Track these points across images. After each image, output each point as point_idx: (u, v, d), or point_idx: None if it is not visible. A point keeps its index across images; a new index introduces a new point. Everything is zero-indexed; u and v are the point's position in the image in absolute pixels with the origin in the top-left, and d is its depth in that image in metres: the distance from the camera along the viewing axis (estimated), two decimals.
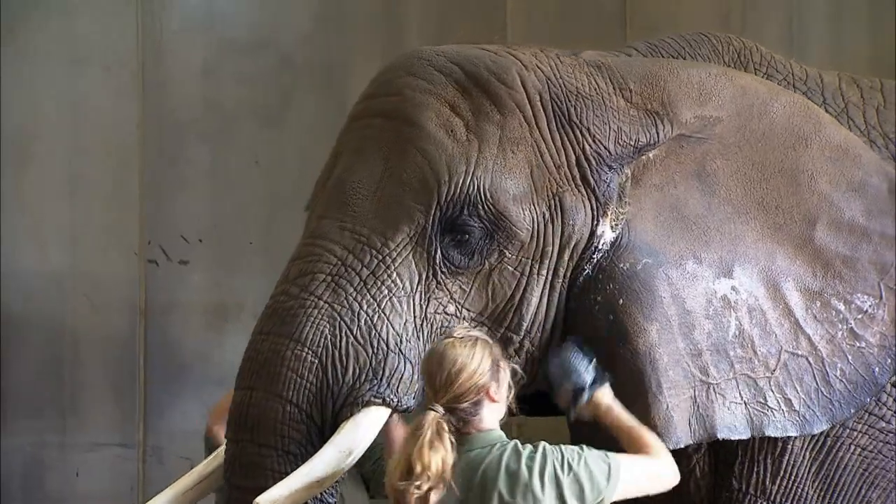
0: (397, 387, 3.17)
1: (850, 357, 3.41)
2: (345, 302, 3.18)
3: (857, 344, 3.42)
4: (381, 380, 3.16)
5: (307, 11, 5.65)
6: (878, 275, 3.45)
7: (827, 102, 3.71)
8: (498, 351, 3.00)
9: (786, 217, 3.41)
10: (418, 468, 2.83)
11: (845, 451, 3.52)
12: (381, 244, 3.21)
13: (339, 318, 3.17)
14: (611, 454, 2.96)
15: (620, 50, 3.69)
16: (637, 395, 3.21)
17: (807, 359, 3.39)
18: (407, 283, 3.21)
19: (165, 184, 5.49)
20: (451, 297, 3.23)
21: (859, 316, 3.43)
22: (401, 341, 3.18)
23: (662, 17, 5.60)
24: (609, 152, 3.30)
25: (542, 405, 3.46)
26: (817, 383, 3.38)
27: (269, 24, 5.62)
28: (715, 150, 3.40)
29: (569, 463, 2.89)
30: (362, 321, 3.17)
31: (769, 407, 3.34)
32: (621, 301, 3.26)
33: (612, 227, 3.31)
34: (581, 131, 3.29)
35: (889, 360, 3.43)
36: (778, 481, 3.49)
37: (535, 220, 3.25)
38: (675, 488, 3.37)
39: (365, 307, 3.18)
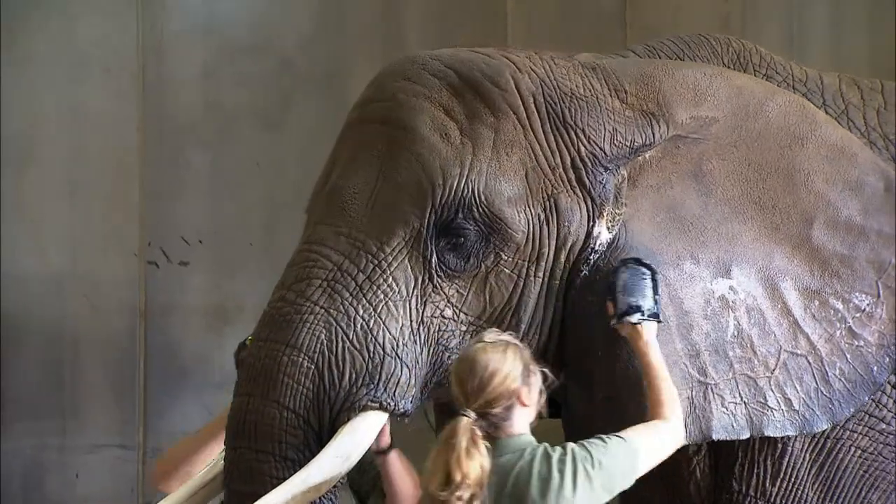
0: (394, 391, 3.18)
1: (848, 356, 3.41)
2: (341, 307, 3.18)
3: (856, 343, 3.42)
4: (378, 384, 3.16)
5: (307, 14, 5.66)
6: (876, 273, 3.45)
7: (827, 104, 3.71)
8: (528, 355, 3.00)
9: (783, 216, 3.41)
10: (458, 476, 2.82)
11: (845, 452, 3.53)
12: (376, 249, 3.21)
13: (335, 324, 3.17)
14: (628, 437, 2.98)
15: (618, 54, 3.69)
16: (632, 397, 3.21)
17: (806, 358, 3.39)
18: (403, 288, 3.21)
19: (165, 186, 5.49)
20: (448, 301, 3.24)
21: (857, 315, 3.43)
22: (397, 345, 3.18)
23: (662, 19, 5.60)
24: (604, 153, 3.30)
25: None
26: (817, 382, 3.38)
27: (270, 26, 5.62)
28: (711, 150, 3.40)
29: (597, 460, 2.91)
30: (358, 326, 3.18)
31: (769, 407, 3.34)
32: None
33: (608, 228, 3.31)
34: (576, 133, 3.30)
35: (887, 359, 3.44)
36: (778, 483, 3.49)
37: (531, 221, 3.26)
38: (675, 489, 3.39)
39: (361, 312, 3.18)
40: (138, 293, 5.44)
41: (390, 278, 3.21)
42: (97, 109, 5.45)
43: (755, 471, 3.49)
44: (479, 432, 2.87)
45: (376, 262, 3.21)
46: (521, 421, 2.96)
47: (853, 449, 3.53)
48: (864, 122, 3.71)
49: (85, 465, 5.38)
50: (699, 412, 3.28)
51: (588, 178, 3.29)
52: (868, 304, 3.44)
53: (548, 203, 3.27)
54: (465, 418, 2.88)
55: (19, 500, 5.32)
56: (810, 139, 3.46)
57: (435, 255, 3.22)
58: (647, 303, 3.15)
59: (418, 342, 3.21)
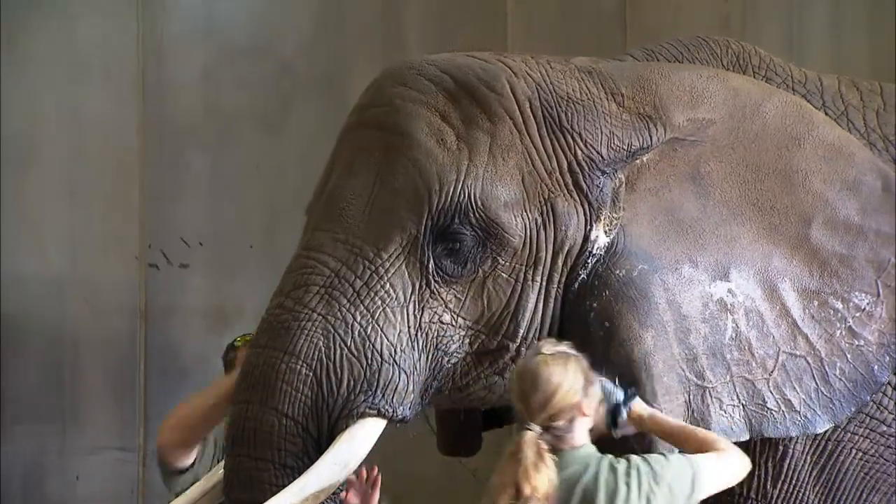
0: (392, 397, 3.18)
1: (849, 356, 3.41)
2: (339, 314, 3.18)
3: (856, 342, 3.42)
4: (376, 391, 3.17)
5: (307, 17, 5.66)
6: (875, 272, 3.45)
7: (826, 105, 3.71)
8: (586, 364, 3.00)
9: (781, 217, 3.41)
10: (527, 490, 2.84)
11: (846, 455, 3.53)
12: (373, 255, 3.22)
13: (333, 331, 3.17)
14: (691, 458, 2.98)
15: (616, 58, 3.69)
16: None
17: (805, 359, 3.39)
18: (400, 294, 3.21)
19: (166, 188, 5.49)
20: (446, 306, 3.24)
21: (857, 314, 3.43)
22: (395, 352, 3.18)
23: (662, 20, 5.59)
24: (601, 157, 3.30)
25: None
26: (817, 383, 3.38)
27: (270, 30, 5.63)
28: (708, 152, 3.40)
29: (660, 476, 2.92)
30: (356, 333, 3.18)
31: (768, 408, 3.35)
32: (617, 308, 3.26)
33: (605, 231, 3.30)
34: (572, 137, 3.29)
35: (888, 358, 3.44)
36: (779, 485, 3.50)
37: (528, 226, 3.25)
38: None
39: (359, 318, 3.19)
40: (138, 295, 5.45)
41: (388, 284, 3.21)
42: (97, 111, 5.46)
43: (756, 473, 3.48)
44: (544, 445, 2.88)
45: (374, 268, 3.21)
46: (583, 431, 2.97)
47: (854, 451, 3.53)
48: (863, 123, 3.71)
49: (85, 467, 5.38)
50: (697, 416, 3.29)
51: (585, 182, 3.29)
52: (868, 304, 3.44)
53: (545, 207, 3.27)
54: (529, 432, 2.89)
55: (19, 502, 5.33)
56: (808, 139, 3.46)
57: (432, 261, 3.22)
58: (618, 394, 3.10)
59: (416, 348, 3.21)
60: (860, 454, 3.53)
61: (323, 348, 3.16)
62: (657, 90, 3.35)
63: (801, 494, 3.51)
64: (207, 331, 5.42)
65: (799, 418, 3.36)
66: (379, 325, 3.18)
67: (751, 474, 3.45)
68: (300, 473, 3.10)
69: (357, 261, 3.21)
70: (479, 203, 3.22)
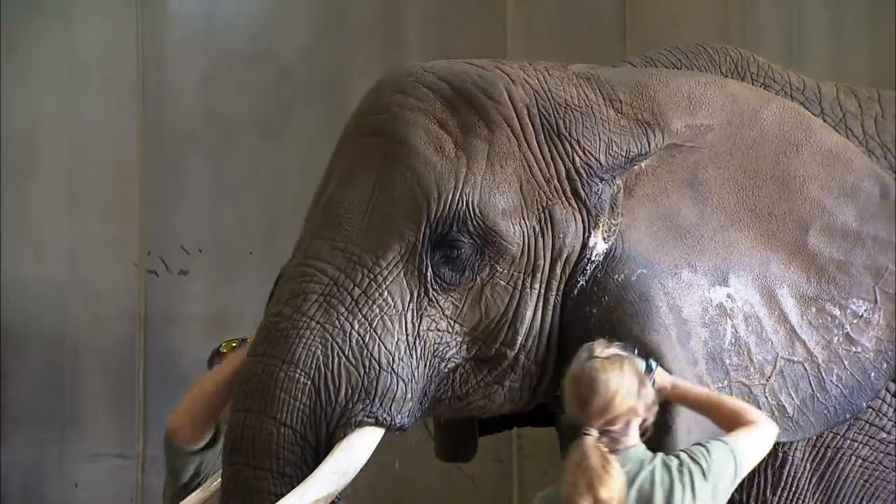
0: (390, 406, 3.17)
1: (846, 362, 3.41)
2: (336, 322, 3.18)
3: (854, 349, 3.41)
4: (374, 399, 3.16)
5: (307, 23, 5.66)
6: (873, 279, 3.44)
7: (825, 112, 3.70)
8: (637, 366, 3.01)
9: (779, 223, 3.40)
10: (605, 494, 2.85)
11: (846, 462, 3.52)
12: (372, 263, 3.21)
13: (331, 339, 3.17)
14: (730, 442, 3.01)
15: (617, 65, 3.69)
16: None
17: (803, 365, 3.38)
18: (398, 302, 3.20)
19: (165, 194, 5.50)
20: (444, 314, 3.23)
21: (855, 321, 3.42)
22: (393, 360, 3.18)
23: (662, 26, 5.59)
24: (600, 164, 3.29)
25: (539, 416, 3.48)
26: (813, 389, 3.38)
27: (269, 35, 5.63)
28: (706, 158, 3.40)
29: (707, 471, 2.96)
30: (354, 341, 3.17)
31: None
32: (617, 313, 3.25)
33: (604, 238, 3.30)
34: (570, 143, 3.29)
35: (885, 365, 3.43)
36: (779, 493, 3.50)
37: (526, 234, 3.25)
38: None
39: (356, 327, 3.18)
40: (138, 302, 5.45)
41: (386, 292, 3.20)
42: (97, 117, 5.46)
43: (755, 480, 3.48)
44: (605, 448, 2.90)
45: (372, 276, 3.20)
46: (636, 432, 3.00)
47: (853, 458, 3.52)
48: (861, 130, 3.71)
49: (84, 473, 5.38)
50: (696, 418, 3.28)
51: (583, 189, 3.28)
52: (865, 310, 3.43)
53: (543, 215, 3.26)
54: (590, 437, 2.91)
55: None
56: (805, 146, 3.46)
57: (430, 269, 3.21)
58: (640, 366, 3.06)
59: (414, 356, 3.20)
60: (860, 461, 3.52)
61: (321, 357, 3.16)
62: (655, 96, 3.35)
63: (800, 501, 3.50)
64: (207, 337, 5.40)
65: (790, 424, 3.35)
66: (377, 334, 3.18)
67: (751, 481, 3.47)
68: (298, 482, 3.10)
69: (355, 269, 3.21)
70: (477, 211, 3.22)
